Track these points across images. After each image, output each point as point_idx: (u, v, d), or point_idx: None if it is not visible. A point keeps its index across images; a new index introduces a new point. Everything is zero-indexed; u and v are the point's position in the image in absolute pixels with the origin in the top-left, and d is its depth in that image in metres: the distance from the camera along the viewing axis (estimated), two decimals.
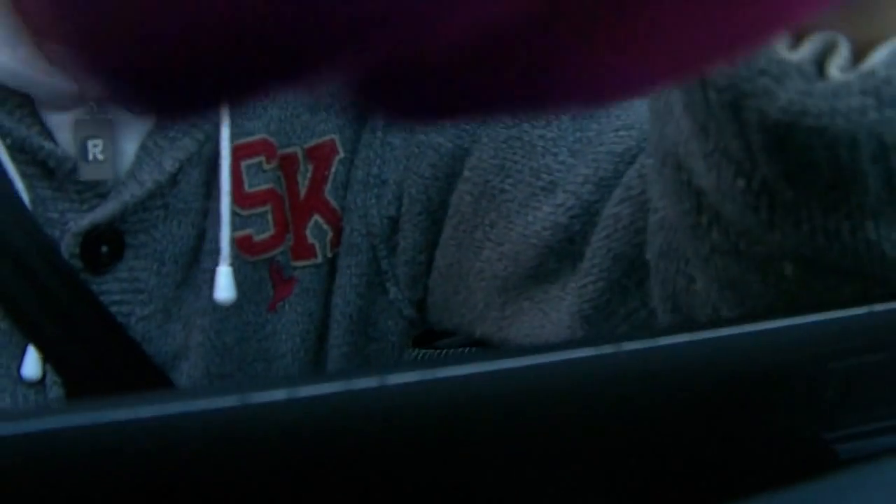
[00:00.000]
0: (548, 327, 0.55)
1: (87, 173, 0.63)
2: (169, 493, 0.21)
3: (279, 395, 0.19)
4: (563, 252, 0.54)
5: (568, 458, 0.29)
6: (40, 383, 0.64)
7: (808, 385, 0.30)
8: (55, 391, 0.64)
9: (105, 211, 0.63)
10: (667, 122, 0.39)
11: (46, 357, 0.63)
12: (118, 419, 0.19)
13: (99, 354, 0.64)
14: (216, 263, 0.65)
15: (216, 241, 0.65)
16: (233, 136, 0.63)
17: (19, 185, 0.62)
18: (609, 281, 0.50)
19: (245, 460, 0.20)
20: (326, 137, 0.66)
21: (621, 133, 0.54)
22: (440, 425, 0.22)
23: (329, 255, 0.67)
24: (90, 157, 0.62)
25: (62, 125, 0.62)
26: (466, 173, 0.61)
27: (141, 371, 0.65)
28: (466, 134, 0.62)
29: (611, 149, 0.54)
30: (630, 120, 0.54)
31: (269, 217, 0.66)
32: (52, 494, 0.20)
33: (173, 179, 0.64)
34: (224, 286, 0.63)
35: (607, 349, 0.25)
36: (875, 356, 0.30)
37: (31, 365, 0.63)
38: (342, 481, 0.21)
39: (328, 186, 0.66)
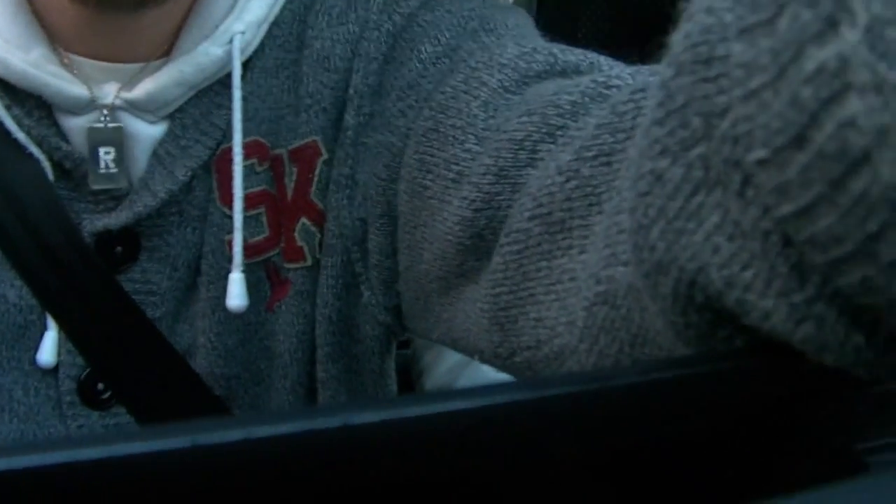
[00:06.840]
0: (472, 330, 0.51)
1: (99, 183, 0.62)
2: None
3: (235, 434, 0.17)
4: (476, 249, 0.51)
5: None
6: (53, 374, 0.64)
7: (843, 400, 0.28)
8: (67, 385, 0.65)
9: (118, 219, 0.62)
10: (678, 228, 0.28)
11: (72, 340, 0.62)
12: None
13: (121, 340, 0.63)
14: (216, 267, 0.64)
15: (213, 244, 0.64)
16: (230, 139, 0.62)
17: (50, 177, 0.62)
18: (521, 291, 0.46)
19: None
20: (309, 139, 0.63)
21: (523, 119, 0.49)
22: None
23: (318, 257, 0.65)
24: (102, 165, 0.61)
25: (76, 129, 0.62)
26: (402, 172, 0.58)
27: (162, 359, 0.65)
28: (408, 131, 0.58)
29: (512, 136, 0.49)
30: (535, 105, 0.50)
31: (264, 219, 0.64)
32: None
33: (188, 187, 0.63)
34: (236, 294, 0.62)
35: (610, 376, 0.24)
36: None
37: (47, 353, 0.63)
38: None
39: (313, 189, 0.64)
